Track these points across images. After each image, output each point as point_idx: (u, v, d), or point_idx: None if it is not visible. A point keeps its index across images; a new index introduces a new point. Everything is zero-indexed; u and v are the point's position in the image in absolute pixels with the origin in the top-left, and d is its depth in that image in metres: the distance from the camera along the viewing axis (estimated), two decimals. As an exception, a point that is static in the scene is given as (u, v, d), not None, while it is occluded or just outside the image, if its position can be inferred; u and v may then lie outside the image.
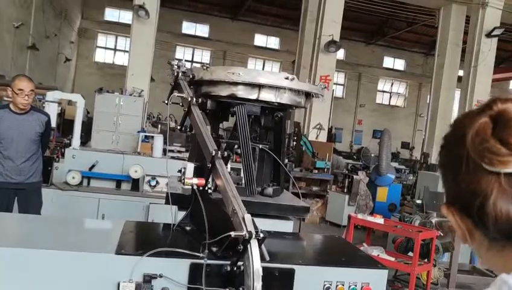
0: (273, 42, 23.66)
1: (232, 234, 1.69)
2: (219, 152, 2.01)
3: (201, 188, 2.09)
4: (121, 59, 21.31)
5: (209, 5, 21.94)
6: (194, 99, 2.33)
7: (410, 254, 5.34)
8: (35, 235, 2.08)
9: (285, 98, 2.62)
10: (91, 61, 22.03)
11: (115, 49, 22.31)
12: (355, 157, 19.96)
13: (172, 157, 6.44)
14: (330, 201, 9.54)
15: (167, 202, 2.44)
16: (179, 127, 2.50)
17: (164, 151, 6.38)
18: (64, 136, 9.94)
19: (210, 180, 2.15)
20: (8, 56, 13.63)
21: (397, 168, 14.55)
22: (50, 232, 2.16)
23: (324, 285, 1.97)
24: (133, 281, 1.80)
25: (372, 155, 16.31)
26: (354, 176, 9.20)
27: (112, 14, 21.94)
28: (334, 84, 21.77)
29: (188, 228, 2.30)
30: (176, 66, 2.62)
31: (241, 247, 1.68)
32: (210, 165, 2.03)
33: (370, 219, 5.30)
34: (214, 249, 1.94)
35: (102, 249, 1.85)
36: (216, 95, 2.63)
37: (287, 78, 2.57)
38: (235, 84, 2.54)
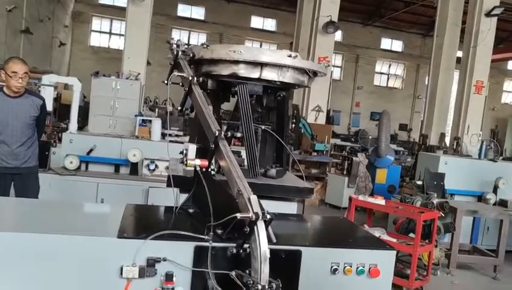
0: (269, 24, 23.41)
1: (238, 215, 1.64)
2: (222, 132, 1.94)
3: (204, 169, 2.03)
4: (117, 43, 21.05)
5: (205, -13, 21.65)
6: (195, 78, 2.25)
7: (412, 234, 5.33)
8: (35, 219, 2.03)
9: (288, 77, 2.55)
10: (86, 46, 21.77)
11: (110, 33, 22.04)
12: (353, 139, 19.93)
13: (171, 141, 6.35)
14: (330, 183, 9.52)
15: (169, 185, 2.38)
16: (179, 108, 2.42)
17: (163, 135, 6.30)
18: (61, 120, 9.84)
19: (213, 161, 2.10)
20: (1, 40, 13.43)
21: (396, 150, 14.52)
22: (50, 217, 2.11)
23: (331, 266, 1.93)
24: (137, 265, 1.75)
25: (370, 137, 16.31)
26: (354, 158, 9.16)
27: (106, -3, 21.61)
28: (332, 66, 21.70)
29: (191, 211, 2.25)
30: (175, 45, 2.53)
31: (248, 229, 1.64)
32: (213, 146, 1.97)
33: (371, 200, 5.27)
34: (219, 231, 1.90)
35: (104, 233, 1.80)
36: (217, 74, 2.55)
37: (289, 56, 2.49)
38: (237, 62, 2.47)
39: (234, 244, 1.73)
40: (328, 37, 11.59)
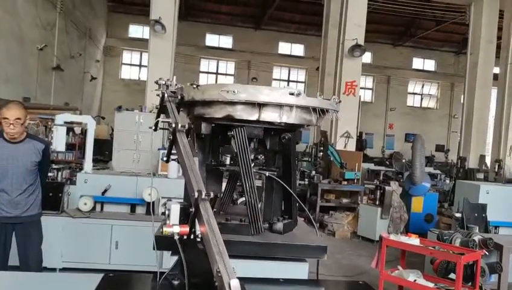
0: (297, 49, 23.23)
1: (214, 307, 1.30)
2: (203, 193, 1.61)
3: (185, 236, 1.70)
4: (146, 75, 21.33)
5: (232, 16, 21.76)
6: (180, 125, 1.94)
7: (452, 275, 4.79)
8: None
9: (292, 118, 2.21)
10: (117, 78, 22.18)
11: (140, 65, 22.38)
12: (387, 163, 19.25)
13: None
14: (362, 214, 8.97)
15: (154, 247, 2.06)
16: (164, 159, 2.11)
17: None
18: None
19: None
20: (32, 78, 13.72)
21: (432, 174, 13.82)
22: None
23: None
24: None
25: (405, 160, 15.62)
26: (386, 187, 8.61)
27: (135, 31, 22.06)
28: (362, 88, 21.21)
29: (176, 282, 1.91)
30: (164, 86, 2.25)
31: (226, 325, 1.29)
32: (194, 208, 1.64)
33: (404, 239, 4.77)
34: (201, 316, 1.55)
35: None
36: (210, 117, 2.24)
37: (292, 94, 2.16)
38: (231, 103, 2.16)
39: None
40: (355, 60, 11.24)
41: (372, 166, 15.52)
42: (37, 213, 3.87)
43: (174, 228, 1.67)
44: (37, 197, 3.86)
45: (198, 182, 1.70)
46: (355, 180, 10.01)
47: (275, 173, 2.44)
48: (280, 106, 2.16)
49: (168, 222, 1.76)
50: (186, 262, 1.82)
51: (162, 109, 2.21)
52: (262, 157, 2.44)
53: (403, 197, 8.74)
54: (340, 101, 2.40)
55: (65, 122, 5.60)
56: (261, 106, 2.15)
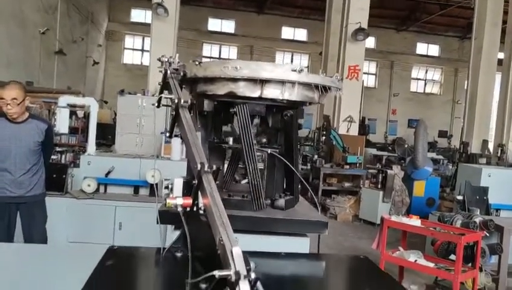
0: (300, 34, 23.08)
1: (216, 274, 1.32)
2: (206, 165, 1.63)
3: (188, 209, 1.72)
4: (149, 60, 21.27)
5: (234, 0, 21.59)
6: (182, 100, 1.95)
7: (453, 256, 4.83)
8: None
9: (294, 94, 2.22)
10: (119, 63, 22.13)
11: (142, 50, 22.29)
12: (390, 148, 19.23)
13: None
14: (363, 198, 9.01)
15: (157, 221, 2.09)
16: (167, 135, 2.13)
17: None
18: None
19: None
20: (35, 62, 13.71)
21: (435, 159, 13.81)
22: (9, 272, 1.82)
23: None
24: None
25: (407, 145, 15.59)
26: (388, 171, 8.63)
27: (138, 15, 21.93)
28: (366, 73, 21.11)
29: (179, 255, 1.94)
30: (167, 63, 2.25)
31: (228, 290, 1.32)
32: (196, 181, 1.66)
33: (405, 220, 4.81)
34: (204, 285, 1.57)
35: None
36: (213, 94, 2.25)
37: (294, 70, 2.16)
38: (234, 80, 2.16)
39: (216, 307, 1.40)
40: (358, 44, 11.17)
41: (374, 151, 15.52)
42: (41, 193, 3.91)
43: (178, 200, 1.69)
44: (40, 177, 3.89)
45: (201, 156, 1.72)
46: (358, 165, 10.03)
47: (277, 150, 2.46)
48: (282, 82, 2.17)
49: (171, 195, 1.79)
50: (189, 235, 1.85)
51: (164, 86, 2.21)
52: (265, 140, 2.46)
53: (405, 181, 8.76)
54: (342, 79, 2.40)
55: (68, 105, 5.61)
56: (263, 82, 2.16)
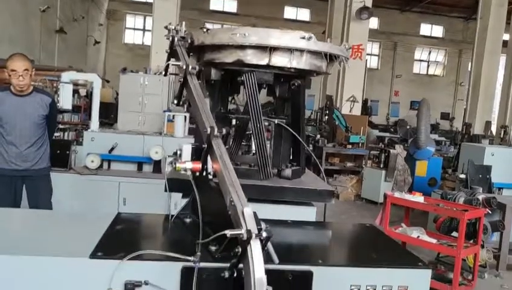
0: (303, 14, 22.83)
1: (228, 233, 1.33)
2: (216, 129, 1.62)
3: (197, 173, 1.72)
4: (150, 40, 21.09)
5: (237, -21, 21.35)
6: (191, 66, 1.94)
7: (455, 233, 4.86)
8: (1, 237, 1.77)
9: (302, 63, 2.21)
10: (120, 43, 21.97)
11: (144, 30, 22.11)
12: (392, 130, 19.22)
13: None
14: (366, 177, 9.03)
15: (166, 189, 2.10)
16: (175, 102, 2.12)
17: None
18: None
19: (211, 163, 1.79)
20: (36, 40, 13.61)
21: (437, 140, 13.80)
22: (18, 232, 1.85)
23: (351, 289, 1.59)
24: (112, 290, 1.47)
25: (409, 127, 15.56)
26: (391, 150, 8.63)
27: (139, -6, 21.68)
28: (368, 54, 20.93)
29: (187, 220, 1.95)
30: (174, 30, 2.23)
31: (240, 249, 1.33)
32: (206, 145, 1.66)
33: (408, 197, 4.83)
34: (213, 248, 1.59)
35: (74, 253, 1.52)
36: (220, 62, 2.24)
37: (303, 38, 2.14)
38: (242, 47, 2.14)
39: (227, 265, 1.41)
40: (362, 23, 11.05)
41: (376, 132, 15.51)
42: (46, 167, 3.91)
43: (187, 164, 1.69)
44: (45, 151, 3.89)
45: (210, 120, 1.72)
46: (360, 144, 10.03)
47: (284, 120, 2.45)
48: (290, 50, 2.15)
49: (180, 159, 1.79)
50: (199, 199, 1.86)
51: (171, 54, 2.20)
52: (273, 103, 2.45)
53: (407, 161, 8.77)
54: (350, 48, 2.38)
55: (71, 80, 5.57)
56: (271, 50, 2.14)
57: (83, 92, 9.83)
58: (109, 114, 11.45)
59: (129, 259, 1.48)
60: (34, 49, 13.34)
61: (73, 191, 5.26)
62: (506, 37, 13.44)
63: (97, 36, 19.37)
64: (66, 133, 8.55)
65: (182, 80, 1.97)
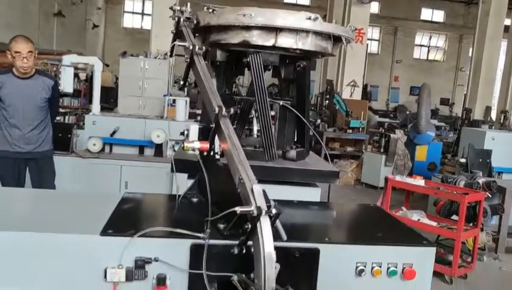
0: (303, -3, 22.66)
1: (238, 209, 1.35)
2: (224, 109, 1.63)
3: (205, 153, 1.74)
4: (149, 24, 20.94)
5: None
6: (197, 47, 1.94)
7: (454, 217, 4.91)
8: (9, 213, 1.79)
9: (308, 44, 2.20)
10: (119, 27, 21.81)
11: (143, 14, 21.93)
12: (391, 115, 19.23)
13: (197, 121, 6.11)
14: (366, 162, 9.07)
15: (172, 170, 2.11)
16: (181, 82, 2.12)
17: (195, 115, 6.06)
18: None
19: (218, 143, 1.80)
20: (34, 24, 13.51)
21: (437, 126, 13.81)
22: (29, 210, 1.88)
23: (357, 267, 1.62)
24: (123, 266, 1.50)
25: (409, 112, 15.57)
26: (391, 135, 8.65)
27: (137, -23, 21.48)
28: (369, 39, 20.80)
29: (194, 200, 1.97)
30: (179, 11, 2.23)
31: (249, 226, 1.35)
32: (214, 125, 1.67)
33: (409, 180, 4.86)
34: (221, 226, 1.61)
35: (85, 230, 1.54)
36: (226, 43, 2.23)
37: (309, 19, 2.14)
38: (247, 28, 2.14)
39: (235, 242, 1.44)
40: (363, 7, 11.00)
41: (376, 118, 15.51)
42: (49, 149, 3.93)
43: (195, 143, 1.70)
44: (48, 134, 3.90)
45: (217, 100, 1.72)
46: (361, 129, 10.04)
47: (289, 102, 2.46)
48: (296, 31, 2.15)
49: (187, 139, 1.80)
50: (204, 180, 1.88)
51: (177, 34, 2.19)
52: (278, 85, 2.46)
53: (407, 146, 8.79)
54: (355, 29, 2.38)
55: (72, 63, 5.55)
56: (277, 30, 2.14)
57: (82, 76, 9.80)
58: (109, 99, 11.42)
59: (139, 236, 1.50)
60: (32, 33, 13.20)
61: (75, 174, 5.28)
62: (507, 22, 13.36)
63: (95, 20, 19.21)
64: (66, 117, 8.54)
65: (189, 60, 1.97)
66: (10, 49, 3.53)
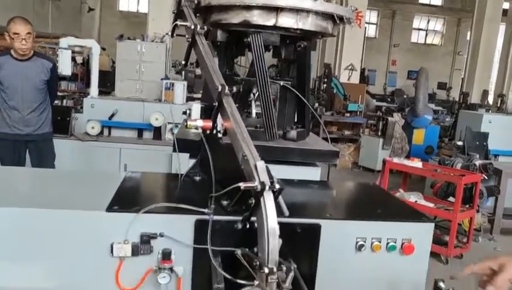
0: (301, -19, 22.42)
1: (242, 185, 1.37)
2: (226, 87, 1.65)
3: (208, 131, 1.76)
4: (146, 7, 20.74)
5: None
6: (199, 26, 1.95)
7: (451, 199, 4.97)
8: (16, 191, 1.82)
9: (308, 24, 2.21)
10: (115, 11, 21.62)
11: (139, -4, 21.73)
12: (389, 99, 19.22)
13: (195, 104, 6.12)
14: (363, 145, 9.11)
15: (175, 149, 2.13)
16: (183, 62, 2.13)
17: (192, 99, 6.08)
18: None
19: (221, 122, 1.82)
20: (29, 7, 13.39)
21: (434, 110, 13.85)
22: (35, 188, 1.90)
23: (357, 242, 1.65)
24: (129, 241, 1.53)
25: (406, 96, 15.57)
26: (389, 118, 8.69)
27: (133, -41, 21.22)
28: (366, 23, 20.70)
29: (197, 178, 1.99)
30: (180, -9, 2.22)
31: (253, 201, 1.37)
32: (216, 103, 1.69)
33: (407, 162, 4.91)
34: (225, 202, 1.64)
35: (91, 206, 1.57)
36: (227, 23, 2.24)
37: (310, -2, 2.15)
38: (248, 8, 2.15)
39: (239, 218, 1.47)
40: (362, -10, 10.92)
41: (374, 102, 15.54)
42: (48, 131, 3.94)
43: (198, 122, 1.72)
44: (47, 116, 3.91)
45: (220, 79, 1.74)
46: (358, 112, 10.06)
47: (289, 82, 2.47)
48: (297, 11, 2.16)
49: (190, 118, 1.82)
50: (207, 159, 1.90)
51: (178, 14, 2.19)
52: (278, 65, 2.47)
53: (405, 129, 8.83)
54: (356, 9, 2.39)
55: (69, 46, 5.53)
56: (278, 10, 2.15)
57: (79, 59, 9.74)
58: (106, 82, 11.37)
59: (144, 212, 1.53)
60: (27, 16, 13.05)
61: (74, 157, 5.29)
62: (506, 5, 13.33)
63: (91, 3, 18.99)
64: (64, 101, 8.50)
65: (190, 40, 1.98)
66: (8, 31, 3.51)
